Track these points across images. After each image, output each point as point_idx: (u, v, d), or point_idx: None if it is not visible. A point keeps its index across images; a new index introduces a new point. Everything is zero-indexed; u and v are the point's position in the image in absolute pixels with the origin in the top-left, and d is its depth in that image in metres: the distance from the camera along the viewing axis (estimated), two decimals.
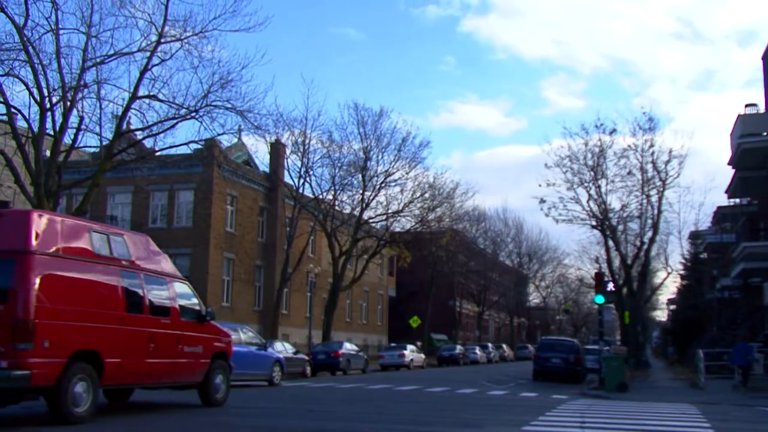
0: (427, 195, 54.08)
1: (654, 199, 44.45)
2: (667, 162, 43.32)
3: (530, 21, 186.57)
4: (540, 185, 45.36)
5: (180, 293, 15.04)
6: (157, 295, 14.23)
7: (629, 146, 43.83)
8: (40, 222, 11.98)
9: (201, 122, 32.09)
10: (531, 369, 37.81)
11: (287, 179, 52.45)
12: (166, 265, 15.20)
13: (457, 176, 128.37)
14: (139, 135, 34.59)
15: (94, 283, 12.61)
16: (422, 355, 53.62)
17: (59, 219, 12.66)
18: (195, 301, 15.62)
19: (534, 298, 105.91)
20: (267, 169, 54.63)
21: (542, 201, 44.71)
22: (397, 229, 58.05)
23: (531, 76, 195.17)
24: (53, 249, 11.94)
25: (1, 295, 11.24)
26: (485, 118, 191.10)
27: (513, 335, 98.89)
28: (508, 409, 18.27)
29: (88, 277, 12.52)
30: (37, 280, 11.35)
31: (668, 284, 78.68)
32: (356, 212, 52.27)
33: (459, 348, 62.06)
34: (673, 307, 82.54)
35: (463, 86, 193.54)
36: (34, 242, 11.60)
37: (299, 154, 49.55)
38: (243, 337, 26.59)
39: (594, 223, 45.71)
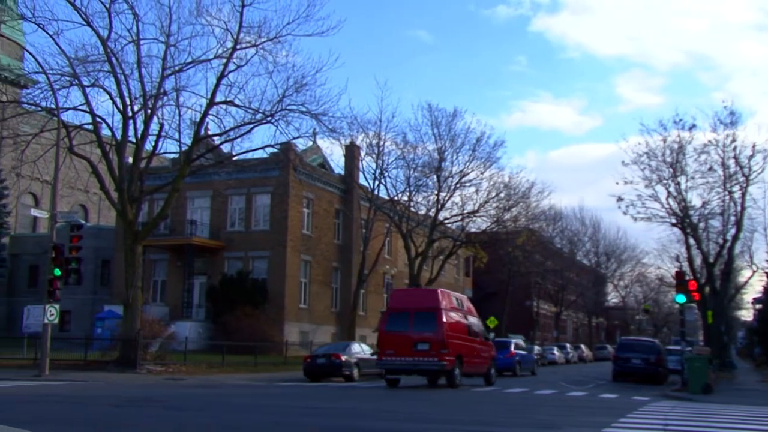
0: (502, 195, 53.81)
1: (737, 195, 43.36)
2: (751, 157, 42.25)
3: (602, 18, 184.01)
4: (617, 183, 44.74)
5: (479, 323, 29.48)
6: (474, 325, 28.01)
7: (710, 141, 42.80)
8: (440, 293, 26.02)
9: (277, 126, 32.64)
10: (610, 370, 37.26)
11: (362, 181, 52.82)
12: (472, 308, 29.39)
13: (532, 176, 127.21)
14: (217, 140, 35.29)
15: (457, 320, 26.25)
16: None
17: (443, 291, 27.06)
18: (483, 327, 30.15)
19: (612, 298, 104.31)
20: (342, 172, 55.01)
21: (620, 199, 44.04)
22: (473, 230, 57.89)
23: (605, 74, 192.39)
24: (446, 306, 25.58)
25: (432, 329, 24.51)
26: (559, 117, 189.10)
27: (591, 335, 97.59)
28: (588, 411, 18.07)
29: (456, 318, 26.13)
30: (445, 321, 24.70)
31: (753, 283, 76.40)
32: (431, 213, 52.28)
33: (537, 349, 61.45)
34: (759, 306, 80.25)
35: (535, 85, 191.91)
36: (441, 303, 25.17)
37: (374, 156, 49.90)
38: (520, 343, 42.61)
39: (674, 220, 44.79)
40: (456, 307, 26.59)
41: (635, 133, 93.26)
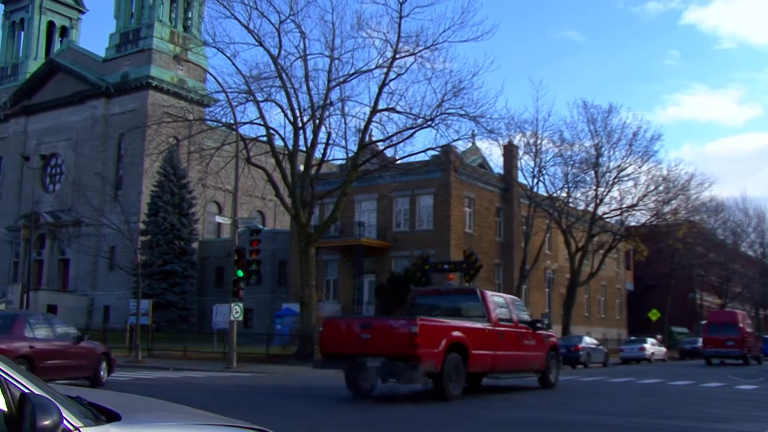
0: (661, 188, 53.39)
1: None
2: None
3: (756, 6, 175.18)
4: None
5: (753, 327, 44.88)
6: (751, 329, 43.33)
7: None
8: (738, 314, 43.36)
9: (437, 130, 33.78)
10: None
11: (521, 179, 53.49)
12: (749, 320, 46.36)
13: (691, 168, 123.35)
14: (381, 145, 36.66)
15: (746, 328, 41.56)
16: (663, 349, 52.59)
17: (738, 311, 44.97)
18: (754, 329, 48.25)
19: None
20: (501, 171, 55.80)
21: None
22: (632, 223, 57.45)
23: (762, 62, 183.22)
24: (740, 320, 41.31)
25: (736, 333, 39.80)
26: (715, 109, 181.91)
27: (760, 328, 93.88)
28: (760, 405, 17.65)
29: (744, 326, 41.29)
30: (742, 327, 40.87)
31: None
32: (590, 208, 52.41)
33: (701, 341, 60.20)
34: None
35: (689, 78, 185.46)
36: (738, 318, 41.53)
37: (532, 154, 50.52)
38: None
39: None
40: (742, 320, 41.77)
41: None
